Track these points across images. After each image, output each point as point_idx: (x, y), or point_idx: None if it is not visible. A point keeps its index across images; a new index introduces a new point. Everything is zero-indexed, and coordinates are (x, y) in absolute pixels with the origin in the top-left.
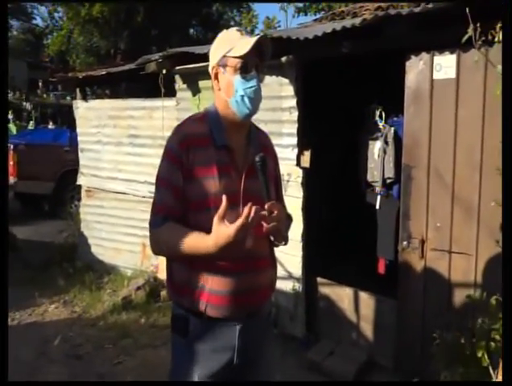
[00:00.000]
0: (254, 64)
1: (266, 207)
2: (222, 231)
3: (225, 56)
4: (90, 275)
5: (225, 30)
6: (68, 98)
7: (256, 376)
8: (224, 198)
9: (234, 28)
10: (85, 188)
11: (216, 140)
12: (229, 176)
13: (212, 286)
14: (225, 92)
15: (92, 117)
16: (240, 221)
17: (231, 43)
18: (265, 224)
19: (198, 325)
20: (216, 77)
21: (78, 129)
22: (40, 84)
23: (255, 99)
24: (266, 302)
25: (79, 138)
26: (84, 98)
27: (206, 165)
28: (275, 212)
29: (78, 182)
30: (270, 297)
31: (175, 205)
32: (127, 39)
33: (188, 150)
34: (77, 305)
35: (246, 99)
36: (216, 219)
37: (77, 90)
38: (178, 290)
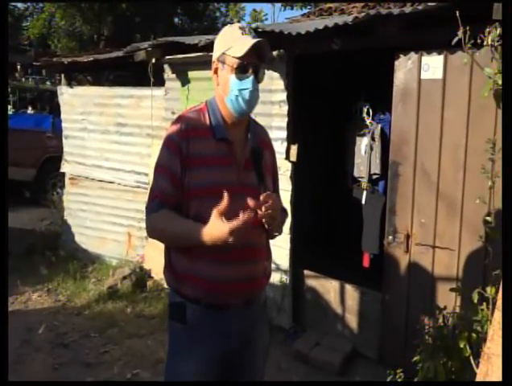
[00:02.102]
0: (252, 66)
1: (261, 196)
2: (218, 226)
3: (224, 53)
4: (74, 264)
5: (228, 26)
6: (48, 83)
7: (248, 356)
8: (225, 194)
9: (237, 25)
10: (69, 176)
11: (215, 132)
12: (227, 167)
13: (210, 274)
14: (222, 88)
15: (78, 103)
16: (236, 223)
17: (231, 42)
18: (259, 212)
19: (196, 311)
20: (216, 72)
21: (62, 116)
22: (19, 67)
23: (249, 100)
24: (262, 291)
25: (63, 125)
26: (69, 84)
27: (204, 155)
28: (270, 201)
29: (62, 170)
30: (265, 286)
31: (172, 192)
32: (111, 25)
33: (188, 140)
34: (61, 294)
35: (240, 99)
36: (214, 214)
37: (62, 76)
38: (177, 277)
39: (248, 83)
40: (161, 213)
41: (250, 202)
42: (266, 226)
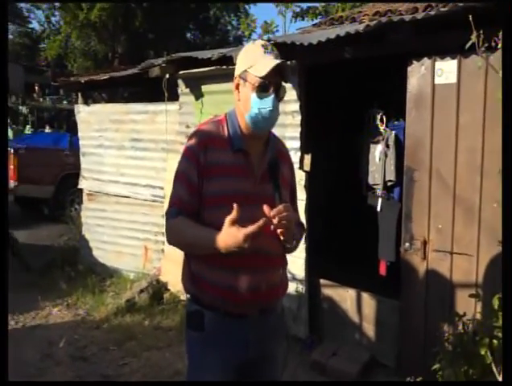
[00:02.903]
0: (273, 85)
1: (276, 207)
2: (232, 232)
3: (246, 71)
4: (92, 278)
5: (251, 43)
6: (65, 102)
7: (267, 370)
8: (235, 206)
9: (260, 42)
10: (87, 192)
11: (233, 143)
12: (244, 178)
13: (227, 283)
14: (243, 104)
15: (94, 121)
16: (250, 229)
17: (253, 60)
18: (273, 221)
19: (213, 319)
20: (237, 88)
21: (80, 133)
22: (36, 87)
23: (269, 118)
24: (278, 300)
25: (80, 142)
26: (86, 102)
27: (222, 165)
28: (284, 213)
29: (79, 186)
30: (282, 295)
31: (190, 200)
32: (125, 43)
33: (206, 150)
34: (81, 308)
35: (260, 117)
36: (227, 221)
37: (79, 94)
38: (195, 286)
39: (268, 102)
40: (178, 219)
41: (266, 209)
42: (281, 236)
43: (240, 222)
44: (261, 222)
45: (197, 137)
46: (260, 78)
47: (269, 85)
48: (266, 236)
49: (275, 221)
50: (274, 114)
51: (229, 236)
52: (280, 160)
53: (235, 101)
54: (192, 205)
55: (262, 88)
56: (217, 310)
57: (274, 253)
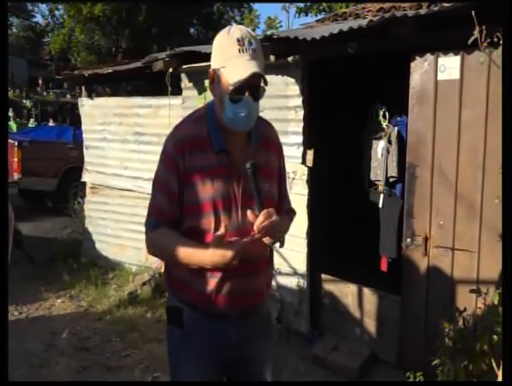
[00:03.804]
0: (249, 88)
1: (255, 217)
2: (220, 252)
3: (219, 69)
4: (95, 271)
5: (225, 34)
6: (68, 96)
7: (250, 373)
8: (222, 227)
9: (235, 34)
10: (90, 185)
11: (214, 144)
12: (227, 179)
13: (208, 287)
14: (218, 103)
15: (98, 114)
16: (237, 247)
17: (226, 59)
18: (255, 232)
19: (193, 317)
20: (213, 82)
21: (83, 127)
22: (40, 81)
23: (245, 122)
24: (263, 301)
25: (84, 136)
26: (90, 96)
27: (203, 169)
28: (266, 223)
29: (83, 179)
30: (265, 297)
31: (170, 209)
32: (128, 37)
33: (184, 154)
34: (83, 300)
35: (236, 120)
36: (215, 240)
37: (83, 88)
38: (174, 285)
39: (243, 106)
40: (158, 232)
41: (250, 215)
42: (266, 242)
43: (229, 227)
44: (248, 239)
45: (175, 140)
46: (232, 84)
47: (244, 89)
48: (252, 243)
49: (258, 234)
50: (250, 117)
51: (217, 254)
52: (265, 149)
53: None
54: (173, 214)
55: (235, 92)
56: (196, 308)
57: (259, 258)
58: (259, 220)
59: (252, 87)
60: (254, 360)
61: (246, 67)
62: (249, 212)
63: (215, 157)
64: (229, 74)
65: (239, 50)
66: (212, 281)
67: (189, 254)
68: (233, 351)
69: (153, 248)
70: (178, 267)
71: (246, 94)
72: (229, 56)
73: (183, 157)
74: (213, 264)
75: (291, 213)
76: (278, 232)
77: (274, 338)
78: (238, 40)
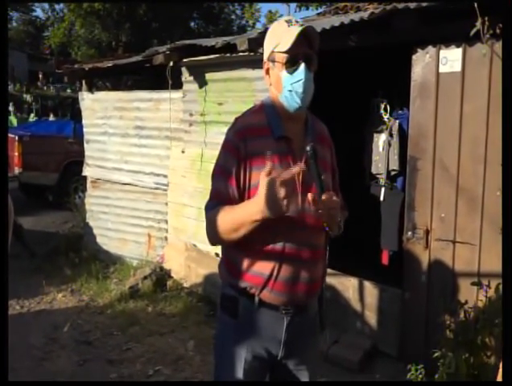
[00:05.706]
0: (302, 56)
1: (318, 196)
2: (268, 194)
3: (273, 52)
4: (96, 265)
5: (275, 23)
6: (69, 90)
7: (299, 372)
8: (268, 162)
9: (283, 19)
10: (91, 179)
11: (273, 131)
12: (287, 165)
13: (267, 270)
14: (275, 86)
15: (98, 108)
16: (284, 176)
17: (278, 37)
18: (317, 210)
19: (248, 308)
20: (268, 72)
21: (84, 121)
22: (40, 75)
23: (303, 92)
24: (314, 297)
25: (85, 130)
26: (90, 90)
27: (264, 154)
28: (327, 200)
29: (84, 173)
30: (318, 292)
31: (229, 192)
32: (128, 31)
33: (246, 140)
34: (84, 294)
35: (294, 94)
36: (262, 175)
37: (83, 82)
38: (231, 271)
39: (300, 74)
40: (214, 211)
41: (310, 196)
42: (326, 225)
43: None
44: (296, 168)
45: (236, 128)
46: (287, 53)
47: (297, 57)
48: (310, 228)
49: (320, 211)
50: (307, 86)
51: (264, 198)
52: (320, 143)
53: (268, 87)
54: (232, 196)
55: (291, 63)
56: (252, 296)
57: (318, 246)
58: (322, 198)
59: (304, 55)
60: (303, 361)
61: (296, 30)
62: (309, 194)
63: (275, 143)
64: (282, 46)
65: (288, 26)
66: (272, 265)
67: (240, 214)
68: (283, 349)
69: (209, 227)
70: (236, 248)
71: (300, 62)
72: (280, 34)
73: (244, 142)
74: (263, 208)
75: (344, 210)
76: (338, 215)
77: (320, 343)
78: (286, 21)
